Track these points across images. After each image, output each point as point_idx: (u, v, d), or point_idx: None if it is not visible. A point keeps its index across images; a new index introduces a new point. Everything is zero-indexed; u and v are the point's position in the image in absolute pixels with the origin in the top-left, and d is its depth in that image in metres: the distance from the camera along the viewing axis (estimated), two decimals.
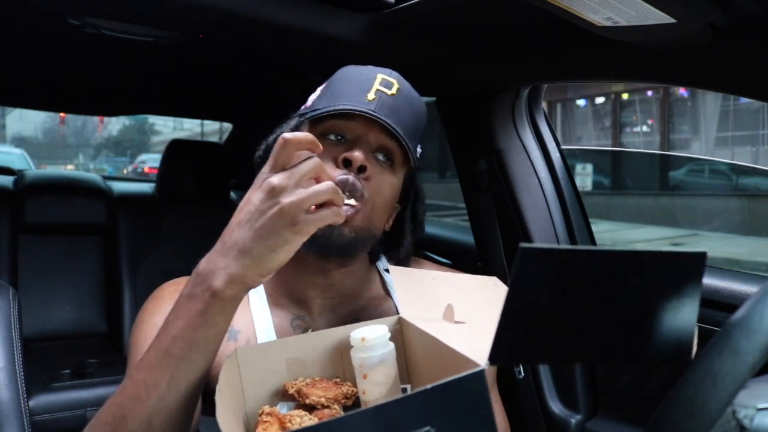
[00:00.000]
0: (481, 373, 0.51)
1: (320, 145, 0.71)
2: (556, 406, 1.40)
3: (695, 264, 0.48)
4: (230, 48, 1.68)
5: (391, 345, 0.75)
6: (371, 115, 0.86)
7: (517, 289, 0.48)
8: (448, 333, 0.71)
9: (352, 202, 0.85)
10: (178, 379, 0.68)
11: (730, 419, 0.42)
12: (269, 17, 1.15)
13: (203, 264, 0.69)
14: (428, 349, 0.74)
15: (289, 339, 0.80)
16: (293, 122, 0.95)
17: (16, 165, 6.27)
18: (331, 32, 1.20)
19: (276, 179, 0.67)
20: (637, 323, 0.50)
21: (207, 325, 0.67)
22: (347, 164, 0.86)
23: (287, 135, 0.68)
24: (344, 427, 0.49)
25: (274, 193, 0.66)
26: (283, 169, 0.68)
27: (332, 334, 0.79)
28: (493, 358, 0.50)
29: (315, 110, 0.90)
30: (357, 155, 0.85)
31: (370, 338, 0.73)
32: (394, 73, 0.94)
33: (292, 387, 0.74)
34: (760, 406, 0.42)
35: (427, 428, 0.49)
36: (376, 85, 0.90)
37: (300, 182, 0.67)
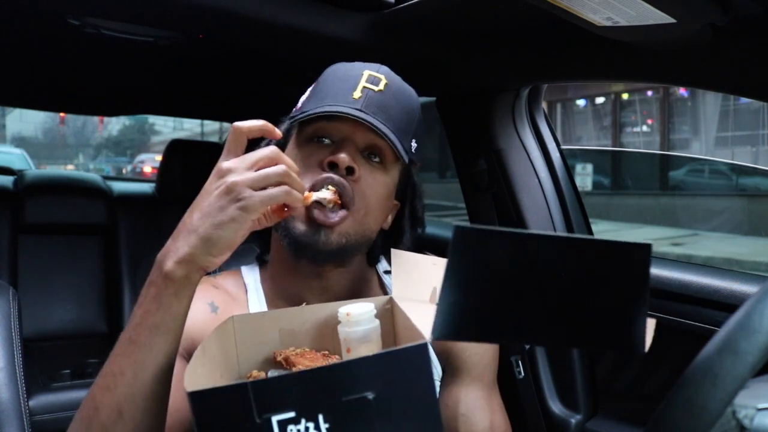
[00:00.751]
0: (423, 346, 0.53)
1: (276, 131, 0.73)
2: (556, 406, 1.40)
3: (641, 255, 0.48)
4: (230, 48, 1.68)
5: (376, 322, 0.77)
6: (354, 116, 0.84)
7: (453, 269, 0.49)
8: (422, 312, 0.72)
9: (326, 194, 0.83)
10: (142, 364, 0.69)
11: (730, 419, 0.42)
12: (269, 17, 1.15)
13: (161, 251, 0.71)
14: (407, 328, 0.75)
15: (284, 310, 0.83)
16: (284, 126, 0.94)
17: (16, 165, 6.27)
18: (331, 32, 1.20)
19: (226, 163, 0.69)
20: (583, 310, 0.51)
21: (162, 308, 0.69)
22: (333, 167, 0.84)
23: (238, 123, 0.70)
24: (288, 383, 0.52)
25: (221, 174, 0.68)
26: (236, 157, 0.70)
27: (324, 309, 0.82)
28: (435, 333, 0.51)
29: (303, 112, 0.89)
30: (342, 157, 0.84)
31: (355, 314, 0.75)
32: (383, 68, 0.91)
33: (281, 355, 0.76)
34: (760, 406, 0.42)
35: (368, 393, 0.51)
36: (362, 83, 0.88)
37: (252, 167, 0.68)
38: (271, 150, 0.70)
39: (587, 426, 1.36)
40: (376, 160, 0.89)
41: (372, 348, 0.76)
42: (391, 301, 0.82)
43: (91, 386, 0.73)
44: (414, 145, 0.93)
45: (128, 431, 0.70)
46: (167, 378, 0.72)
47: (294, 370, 0.73)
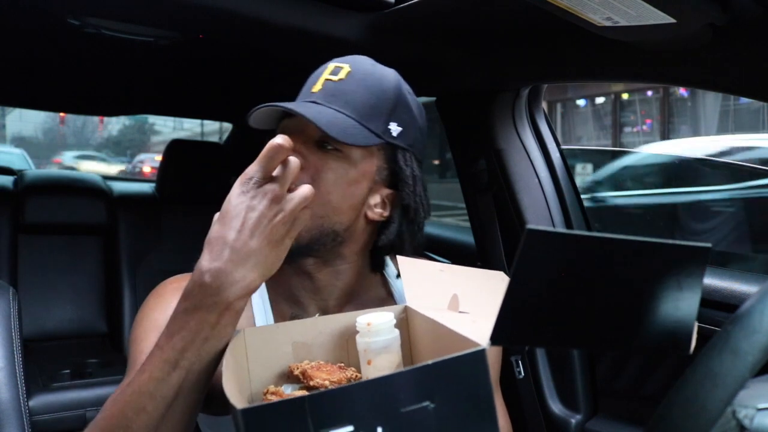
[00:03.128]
0: (482, 352, 0.52)
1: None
2: (556, 406, 1.40)
3: (699, 256, 0.48)
4: (230, 48, 1.68)
5: (396, 332, 0.75)
6: (284, 108, 0.83)
7: (521, 271, 0.48)
8: (451, 320, 0.71)
9: None
10: (186, 388, 0.69)
11: (730, 419, 0.42)
12: (269, 17, 1.15)
13: (211, 275, 0.67)
14: (432, 336, 0.74)
15: (297, 322, 0.80)
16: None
17: (16, 165, 6.27)
18: (331, 32, 1.21)
19: (276, 187, 0.69)
20: (637, 312, 0.50)
21: (218, 336, 0.68)
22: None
23: (280, 141, 0.68)
24: (346, 395, 0.49)
25: (277, 200, 0.68)
26: (269, 173, 0.69)
27: (339, 320, 0.80)
28: (495, 339, 0.50)
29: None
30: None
31: (376, 323, 0.73)
32: (351, 57, 0.92)
33: (297, 368, 0.74)
34: (760, 406, 0.42)
35: (427, 403, 0.50)
36: (324, 75, 0.89)
37: (287, 186, 0.70)
38: (296, 165, 0.71)
39: (587, 426, 1.36)
40: (330, 147, 0.86)
41: (392, 359, 0.74)
42: (406, 309, 0.81)
43: (115, 402, 0.71)
44: (394, 127, 0.89)
45: None
46: (203, 395, 0.72)
47: (311, 383, 0.72)
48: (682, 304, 0.49)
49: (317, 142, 0.87)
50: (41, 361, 2.04)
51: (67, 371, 1.98)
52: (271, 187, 0.68)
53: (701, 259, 0.48)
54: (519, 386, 1.43)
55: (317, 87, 0.88)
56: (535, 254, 0.47)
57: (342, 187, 0.87)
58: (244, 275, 0.67)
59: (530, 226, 0.45)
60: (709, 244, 0.47)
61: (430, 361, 0.49)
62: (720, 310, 1.13)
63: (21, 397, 1.10)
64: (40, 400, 1.82)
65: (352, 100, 0.87)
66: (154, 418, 0.69)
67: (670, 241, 0.48)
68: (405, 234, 0.93)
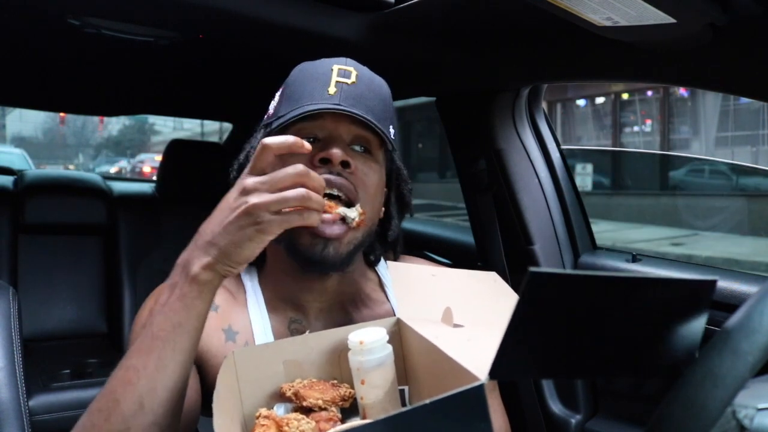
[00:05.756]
0: (481, 387, 0.52)
1: (306, 144, 0.73)
2: (556, 406, 1.40)
3: (705, 290, 0.48)
4: (230, 48, 1.68)
5: (389, 348, 0.75)
6: (337, 109, 0.84)
7: (523, 311, 0.47)
8: (446, 339, 0.71)
9: (353, 213, 0.84)
10: (165, 359, 0.71)
11: (730, 419, 0.42)
12: (269, 17, 1.15)
13: (183, 256, 0.75)
14: (427, 354, 0.73)
15: (287, 340, 0.80)
16: (260, 135, 0.94)
17: (16, 165, 6.26)
18: (331, 32, 1.21)
19: (250, 180, 0.70)
20: (641, 342, 0.50)
21: (187, 308, 0.72)
22: (325, 163, 0.84)
23: (267, 140, 0.71)
24: None
25: (244, 192, 0.70)
26: (262, 173, 0.71)
27: (330, 336, 0.79)
28: (493, 373, 0.50)
29: (279, 117, 0.88)
30: (335, 152, 0.84)
31: (369, 341, 0.73)
32: (350, 61, 0.92)
33: (290, 389, 0.74)
34: (760, 406, 0.42)
35: None
36: (334, 78, 0.88)
37: (275, 187, 0.69)
38: (295, 171, 0.70)
39: (587, 426, 1.36)
40: (361, 150, 0.89)
41: (386, 375, 0.74)
42: (398, 322, 0.80)
43: (108, 381, 0.74)
44: (392, 131, 0.93)
45: (148, 423, 0.71)
46: (186, 374, 0.74)
47: (305, 403, 0.72)
48: (687, 333, 0.49)
49: (348, 144, 0.88)
50: (41, 361, 2.04)
51: (67, 371, 1.98)
52: (244, 181, 0.71)
53: (707, 292, 0.48)
54: (519, 386, 1.43)
55: (332, 89, 0.87)
56: (538, 296, 0.47)
57: (380, 187, 0.92)
58: (200, 255, 0.73)
59: (532, 268, 0.45)
60: (715, 278, 0.47)
61: (428, 401, 0.50)
62: (720, 310, 1.13)
63: (21, 397, 1.10)
64: (40, 400, 1.82)
65: (370, 105, 0.88)
66: (138, 390, 0.71)
67: (675, 277, 0.48)
68: (400, 229, 1.00)
